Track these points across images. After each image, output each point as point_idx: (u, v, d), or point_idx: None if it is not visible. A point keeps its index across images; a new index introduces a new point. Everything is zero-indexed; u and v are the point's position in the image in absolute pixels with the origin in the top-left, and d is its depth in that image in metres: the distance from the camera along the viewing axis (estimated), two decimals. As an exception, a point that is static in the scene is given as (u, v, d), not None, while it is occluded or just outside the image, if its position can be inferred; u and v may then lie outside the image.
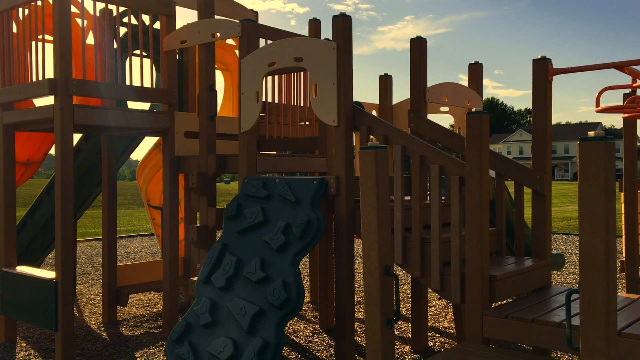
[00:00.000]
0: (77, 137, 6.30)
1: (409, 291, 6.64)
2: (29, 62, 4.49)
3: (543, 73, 3.74)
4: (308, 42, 3.88)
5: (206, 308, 3.75)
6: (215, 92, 4.64)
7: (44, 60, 4.34)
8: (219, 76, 7.10)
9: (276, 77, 5.64)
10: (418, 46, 4.42)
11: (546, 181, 3.74)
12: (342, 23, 3.80)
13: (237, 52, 6.66)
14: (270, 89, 5.84)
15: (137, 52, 5.96)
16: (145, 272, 5.79)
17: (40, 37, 4.68)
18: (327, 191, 3.82)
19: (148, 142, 6.33)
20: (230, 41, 6.56)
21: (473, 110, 3.17)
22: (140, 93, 4.66)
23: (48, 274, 4.37)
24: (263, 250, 3.78)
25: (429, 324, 5.19)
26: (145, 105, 5.89)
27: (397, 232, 3.56)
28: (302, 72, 5.88)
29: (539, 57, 3.77)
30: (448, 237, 3.47)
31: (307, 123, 6.01)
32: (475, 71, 5.06)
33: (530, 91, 3.78)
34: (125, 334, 5.12)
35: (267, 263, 3.70)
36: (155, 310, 5.96)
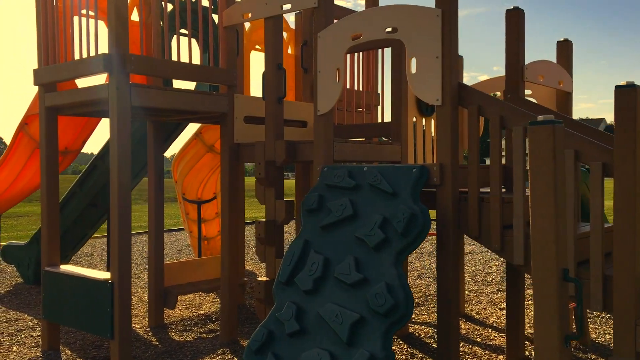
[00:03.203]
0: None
1: (492, 294, 6.18)
2: (74, 38, 4.01)
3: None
4: (405, 9, 3.39)
5: (291, 314, 3.27)
6: (284, 70, 4.16)
7: (96, 37, 3.85)
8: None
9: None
10: (516, 18, 3.93)
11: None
12: (447, -13, 3.31)
13: (284, 33, 6.17)
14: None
15: (183, 30, 5.48)
16: (192, 270, 5.29)
17: (83, 12, 4.20)
18: (428, 181, 3.34)
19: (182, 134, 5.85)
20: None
21: (623, 83, 2.68)
22: (201, 72, 4.18)
23: (101, 274, 3.90)
24: (355, 248, 3.30)
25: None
26: (191, 87, 5.42)
27: (518, 228, 3.08)
28: (361, 53, 5.41)
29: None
30: (582, 233, 3.00)
31: (362, 109, 5.55)
32: (565, 49, 4.57)
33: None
34: (176, 339, 4.65)
35: (363, 263, 3.22)
36: (201, 312, 5.48)
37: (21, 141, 5.09)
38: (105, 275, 3.83)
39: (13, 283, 6.89)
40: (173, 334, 4.80)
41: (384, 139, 5.34)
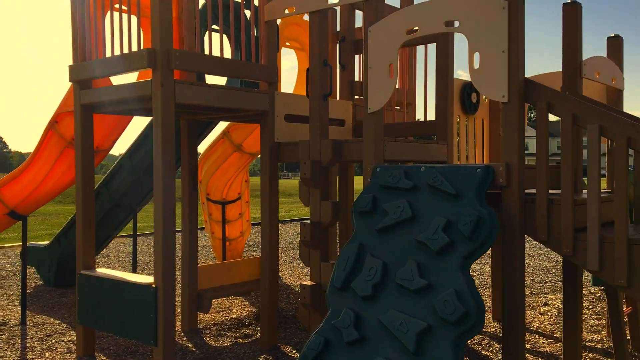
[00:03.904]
0: (145, 120, 5.67)
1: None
2: (113, 34, 3.86)
3: None
4: (468, 1, 3.23)
5: (350, 321, 3.12)
6: (330, 67, 4.01)
7: (139, 33, 3.70)
8: (293, 55, 6.44)
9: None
10: (574, 12, 3.77)
11: None
12: (512, -22, 3.15)
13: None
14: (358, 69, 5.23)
15: (215, 27, 5.32)
16: (224, 273, 5.13)
17: (124, 7, 4.04)
18: (494, 181, 3.18)
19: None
20: (307, 17, 5.92)
21: None
22: (244, 68, 4.03)
23: (144, 278, 3.75)
24: (416, 252, 3.14)
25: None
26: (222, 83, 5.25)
27: (593, 230, 2.92)
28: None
29: None
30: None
31: (398, 108, 5.40)
32: (615, 46, 4.42)
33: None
34: (213, 344, 4.50)
35: (426, 268, 3.06)
36: (233, 316, 5.33)
37: (50, 139, 4.93)
38: (147, 279, 3.68)
39: (32, 285, 6.73)
40: (208, 338, 4.65)
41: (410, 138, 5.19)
